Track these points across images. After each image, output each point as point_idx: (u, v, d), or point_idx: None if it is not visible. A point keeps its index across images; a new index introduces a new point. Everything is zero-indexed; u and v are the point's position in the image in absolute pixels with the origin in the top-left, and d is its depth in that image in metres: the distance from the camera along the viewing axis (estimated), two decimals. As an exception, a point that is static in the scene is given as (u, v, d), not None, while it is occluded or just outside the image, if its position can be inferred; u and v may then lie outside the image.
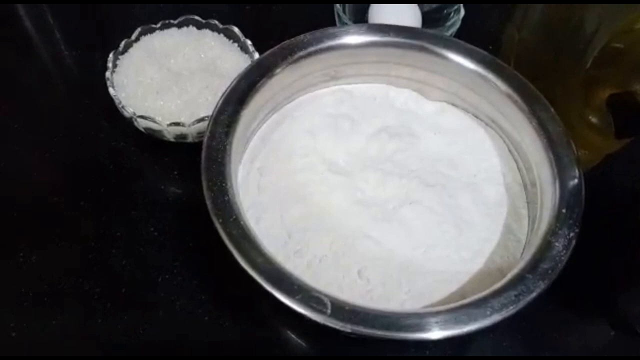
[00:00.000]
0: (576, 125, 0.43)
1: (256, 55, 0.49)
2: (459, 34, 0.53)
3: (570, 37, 0.42)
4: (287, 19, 0.59)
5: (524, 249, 0.40)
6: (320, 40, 0.44)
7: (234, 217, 0.35)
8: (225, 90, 0.40)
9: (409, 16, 0.54)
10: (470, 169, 0.44)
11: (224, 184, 0.36)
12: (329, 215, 0.40)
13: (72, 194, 0.47)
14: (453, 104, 0.47)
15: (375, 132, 0.45)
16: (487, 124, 0.46)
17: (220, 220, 0.34)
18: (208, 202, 0.35)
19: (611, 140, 0.43)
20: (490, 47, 0.56)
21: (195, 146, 0.47)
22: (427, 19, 0.55)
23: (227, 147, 0.38)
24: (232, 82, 0.41)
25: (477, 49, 0.44)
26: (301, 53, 0.43)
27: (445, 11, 0.55)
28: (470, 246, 0.40)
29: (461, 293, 0.38)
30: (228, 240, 0.34)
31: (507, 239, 0.40)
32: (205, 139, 0.38)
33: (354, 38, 0.44)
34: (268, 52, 0.43)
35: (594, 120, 0.44)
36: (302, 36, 0.44)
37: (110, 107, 0.47)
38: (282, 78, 0.43)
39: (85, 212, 0.46)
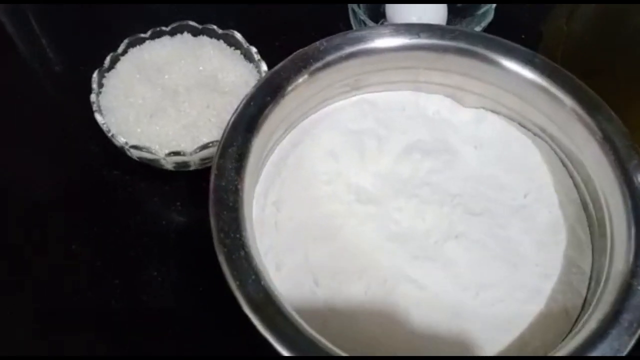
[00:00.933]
0: (636, 133, 0.36)
1: (263, 65, 0.42)
2: (491, 28, 0.46)
3: (633, 34, 0.36)
4: (295, 18, 0.53)
5: (589, 283, 0.35)
6: (339, 48, 0.37)
7: (254, 276, 0.29)
8: (232, 116, 0.34)
9: (433, 7, 0.47)
10: (519, 189, 0.38)
11: (238, 235, 0.30)
12: (360, 254, 0.35)
13: (60, 237, 0.41)
14: (493, 111, 0.41)
15: (405, 150, 0.39)
16: (535, 134, 0.39)
17: (238, 283, 0.29)
18: (221, 259, 0.29)
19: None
20: (523, 37, 0.50)
21: (199, 172, 0.41)
22: (453, 9, 0.48)
23: (239, 186, 0.32)
24: (239, 106, 0.35)
25: (522, 47, 0.38)
26: (318, 64, 0.37)
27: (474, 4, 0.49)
28: (526, 284, 0.34)
29: (521, 342, 0.32)
30: (249, 309, 0.28)
31: (569, 273, 0.35)
32: (212, 179, 0.32)
33: (378, 42, 0.38)
34: (279, 65, 0.36)
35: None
36: (317, 44, 0.37)
37: (98, 131, 0.41)
38: (297, 95, 0.37)
39: (76, 258, 0.40)
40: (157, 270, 0.40)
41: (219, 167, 0.32)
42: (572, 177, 0.38)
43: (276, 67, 0.36)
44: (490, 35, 0.39)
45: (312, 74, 0.37)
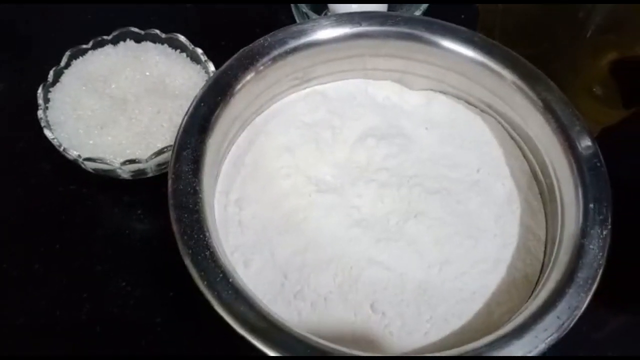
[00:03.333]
0: (579, 98, 0.38)
1: (210, 66, 0.42)
2: (431, 11, 0.47)
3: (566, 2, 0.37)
4: (237, 17, 0.53)
5: (545, 247, 0.36)
6: (283, 42, 0.38)
7: (221, 275, 0.29)
8: (183, 119, 0.34)
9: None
10: (472, 165, 0.39)
11: (201, 236, 0.30)
12: (326, 244, 0.35)
13: (20, 257, 0.40)
14: (441, 92, 0.42)
15: (360, 137, 0.40)
16: (482, 111, 0.41)
17: (206, 282, 0.29)
18: (187, 261, 0.30)
19: (617, 111, 0.39)
20: (463, 17, 0.52)
21: (157, 178, 0.41)
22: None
23: (198, 187, 0.32)
24: (189, 108, 0.35)
25: (462, 28, 0.39)
26: (264, 60, 0.37)
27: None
28: (489, 255, 0.35)
29: (488, 311, 0.34)
30: (220, 307, 0.28)
31: (526, 240, 0.36)
32: (170, 183, 0.32)
33: (322, 34, 0.38)
34: (226, 65, 0.37)
35: (598, 91, 0.39)
36: (262, 40, 0.38)
37: (49, 146, 0.40)
38: (246, 92, 0.37)
39: (40, 277, 0.39)
40: (125, 280, 0.39)
41: (176, 171, 0.32)
42: (520, 148, 0.39)
43: (223, 67, 0.36)
44: (429, 18, 0.39)
45: (259, 70, 0.37)
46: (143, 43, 0.44)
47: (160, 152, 0.38)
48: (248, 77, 0.36)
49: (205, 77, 0.43)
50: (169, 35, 0.44)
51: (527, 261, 0.35)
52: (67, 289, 0.39)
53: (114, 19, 0.47)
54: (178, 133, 0.34)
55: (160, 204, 0.41)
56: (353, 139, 0.40)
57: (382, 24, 0.39)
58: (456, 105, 0.41)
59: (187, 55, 0.44)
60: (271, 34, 0.38)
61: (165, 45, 0.44)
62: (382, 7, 0.48)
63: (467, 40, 0.38)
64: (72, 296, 0.39)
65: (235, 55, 0.37)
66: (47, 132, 0.38)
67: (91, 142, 0.39)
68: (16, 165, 0.44)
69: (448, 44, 0.38)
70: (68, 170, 0.42)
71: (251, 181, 0.37)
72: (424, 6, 0.46)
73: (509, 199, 0.38)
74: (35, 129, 0.40)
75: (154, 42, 0.44)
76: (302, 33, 0.38)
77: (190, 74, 0.42)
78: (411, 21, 0.39)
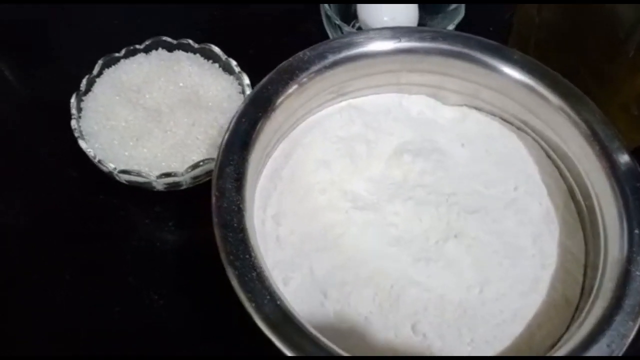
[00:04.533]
0: (614, 117, 0.38)
1: (245, 78, 0.42)
2: (460, 23, 0.47)
3: (607, 19, 0.37)
4: (264, 24, 0.52)
5: (585, 270, 0.36)
6: (323, 56, 0.37)
7: (269, 297, 0.29)
8: (225, 135, 0.34)
9: (404, 6, 0.48)
10: (508, 182, 0.39)
11: (247, 256, 0.30)
12: (364, 262, 0.35)
13: (51, 268, 0.40)
14: (475, 108, 0.42)
15: (395, 152, 0.39)
16: (518, 128, 0.41)
17: (254, 305, 0.29)
18: (234, 283, 0.29)
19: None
20: (491, 30, 0.51)
21: (187, 190, 0.41)
22: (424, 7, 0.49)
23: (241, 205, 0.32)
24: (230, 123, 0.34)
25: (501, 45, 0.39)
26: (304, 74, 0.37)
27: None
28: (527, 276, 0.35)
29: (529, 334, 0.34)
30: (269, 330, 0.28)
31: (565, 260, 0.36)
32: (213, 201, 0.32)
33: (362, 48, 0.38)
34: (266, 79, 0.36)
35: (634, 111, 0.39)
36: (301, 54, 0.37)
37: (77, 153, 0.40)
38: (286, 107, 0.37)
39: (71, 288, 0.39)
40: (157, 293, 0.39)
41: (219, 189, 0.32)
42: (557, 167, 0.39)
43: (263, 81, 0.36)
44: (468, 34, 0.39)
45: (299, 85, 0.37)
46: (175, 52, 0.43)
47: (196, 166, 0.38)
48: (288, 92, 0.36)
49: (239, 89, 0.42)
50: (202, 45, 0.43)
51: (566, 282, 0.35)
52: (98, 301, 0.39)
53: (141, 27, 0.47)
54: (220, 149, 0.33)
55: (192, 216, 0.42)
56: (388, 153, 0.40)
57: (421, 39, 0.39)
58: (491, 122, 0.41)
59: (220, 66, 0.43)
60: (311, 48, 0.38)
61: (198, 55, 0.44)
62: (413, 19, 0.48)
63: (506, 57, 0.38)
64: (104, 308, 0.38)
65: (275, 70, 0.37)
66: (81, 143, 0.38)
67: (126, 153, 0.38)
68: (45, 174, 0.43)
69: (488, 61, 0.38)
70: (97, 179, 0.42)
71: (288, 195, 0.37)
72: (458, 19, 0.46)
73: (546, 218, 0.37)
74: (64, 137, 0.40)
75: (186, 51, 0.44)
76: (343, 47, 0.38)
77: (224, 85, 0.42)
78: (450, 37, 0.39)
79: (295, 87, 0.36)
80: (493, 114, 0.41)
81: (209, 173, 0.39)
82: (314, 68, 0.37)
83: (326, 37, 0.50)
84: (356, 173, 0.39)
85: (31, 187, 0.43)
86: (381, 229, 0.36)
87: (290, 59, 0.37)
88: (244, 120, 0.35)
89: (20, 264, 0.40)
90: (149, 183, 0.38)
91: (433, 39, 0.39)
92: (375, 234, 0.36)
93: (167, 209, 0.42)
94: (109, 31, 0.50)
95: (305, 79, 0.37)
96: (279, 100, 0.36)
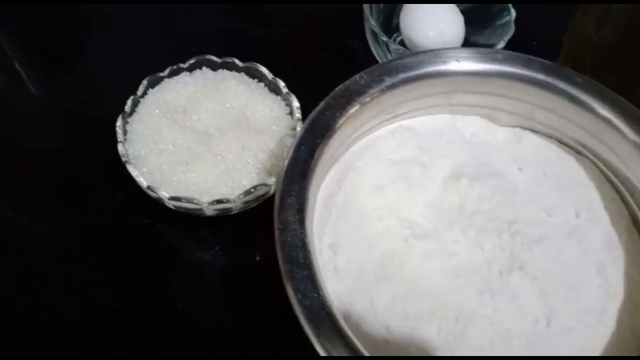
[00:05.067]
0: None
1: (294, 101, 0.41)
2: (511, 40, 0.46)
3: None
4: (302, 40, 0.51)
5: (652, 300, 0.35)
6: (380, 80, 0.36)
7: (339, 338, 0.28)
8: (285, 164, 0.33)
9: (451, 20, 0.46)
10: (569, 209, 0.37)
11: (315, 294, 0.29)
12: (426, 294, 0.34)
13: (97, 294, 0.39)
14: (530, 130, 0.40)
15: (451, 176, 0.38)
16: (577, 151, 0.39)
17: (329, 345, 0.28)
18: (304, 324, 0.28)
19: None
20: (535, 44, 0.50)
21: (235, 215, 0.40)
22: (469, 20, 0.47)
23: (305, 240, 0.31)
24: (289, 151, 0.33)
25: (559, 65, 0.38)
26: (362, 99, 0.36)
27: (489, 11, 0.48)
28: (593, 308, 0.34)
29: (599, 370, 0.32)
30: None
31: (631, 291, 0.35)
32: (277, 234, 0.31)
33: (420, 71, 0.37)
34: (322, 105, 0.35)
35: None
36: (357, 78, 0.36)
37: (121, 177, 0.38)
38: (343, 132, 0.35)
39: (121, 315, 0.38)
40: (207, 321, 0.38)
41: (282, 222, 0.31)
42: (619, 192, 0.38)
43: (320, 107, 0.35)
44: (527, 56, 0.38)
45: (357, 109, 0.36)
46: (220, 72, 0.42)
47: (248, 192, 0.37)
48: (345, 117, 0.35)
49: (286, 110, 0.41)
50: (248, 64, 0.42)
51: (632, 314, 0.34)
52: (150, 329, 0.38)
53: (179, 44, 0.46)
54: (280, 178, 0.32)
55: (239, 240, 0.41)
56: (443, 177, 0.39)
57: (481, 61, 0.37)
58: (547, 144, 0.40)
59: (265, 85, 0.42)
60: (366, 71, 0.36)
61: (243, 73, 0.42)
62: (460, 33, 0.46)
63: (568, 79, 0.37)
64: (153, 336, 0.37)
65: (331, 94, 0.36)
66: (131, 170, 0.37)
67: (175, 178, 0.37)
68: (89, 195, 0.42)
69: (549, 83, 0.37)
70: (141, 201, 0.41)
71: (343, 223, 0.36)
72: (508, 36, 0.44)
73: (610, 246, 0.36)
74: (109, 158, 0.39)
75: (231, 70, 0.42)
76: (400, 70, 0.37)
77: (272, 106, 0.41)
78: (511, 59, 0.38)
79: (352, 111, 0.35)
80: (549, 136, 0.40)
81: (259, 198, 0.38)
82: (371, 92, 0.36)
83: (368, 53, 0.49)
84: (412, 198, 0.37)
85: (75, 210, 0.41)
86: (442, 259, 0.35)
87: (347, 82, 0.36)
88: (302, 147, 0.33)
89: (64, 290, 0.39)
90: (200, 209, 0.37)
91: (493, 60, 0.37)
92: (436, 264, 0.35)
93: (214, 233, 0.41)
94: (148, 49, 0.49)
95: (362, 103, 0.36)
96: (337, 126, 0.35)
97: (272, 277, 0.30)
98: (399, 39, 0.50)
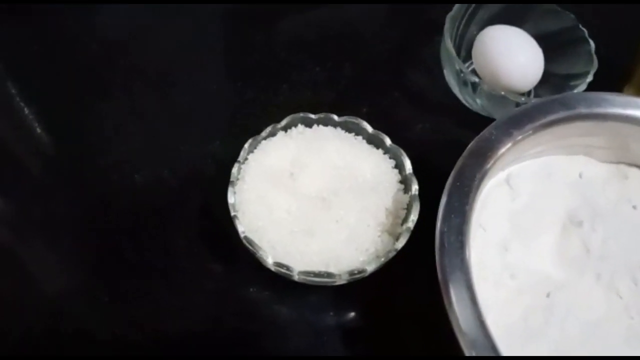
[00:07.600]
0: None
1: (405, 159, 0.39)
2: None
3: None
4: (371, 80, 0.49)
5: None
6: (509, 133, 0.36)
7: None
8: (436, 234, 0.32)
9: (534, 45, 0.45)
10: (692, 245, 0.38)
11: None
12: (572, 351, 0.34)
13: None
14: (628, 164, 0.41)
15: (569, 219, 0.38)
16: (685, 186, 0.40)
17: None
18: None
19: None
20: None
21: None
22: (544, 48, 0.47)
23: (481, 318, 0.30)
24: (438, 221, 0.32)
25: None
26: (494, 156, 0.35)
27: (562, 37, 0.47)
28: None
29: None
30: None
31: None
32: (454, 321, 0.29)
33: (544, 120, 0.36)
34: (460, 164, 0.34)
35: None
36: (487, 134, 0.35)
37: (220, 245, 0.38)
38: (479, 189, 0.34)
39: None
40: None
41: (449, 303, 0.30)
42: None
43: (457, 168, 0.34)
44: (612, 94, 0.38)
45: (490, 166, 0.35)
46: (316, 128, 0.40)
47: (378, 259, 0.35)
48: (481, 176, 0.34)
49: (391, 163, 0.39)
50: (344, 119, 0.40)
51: None
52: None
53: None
54: (437, 253, 0.31)
55: (352, 304, 0.39)
56: (559, 222, 0.38)
57: (597, 106, 0.37)
58: (654, 179, 0.40)
59: (364, 138, 0.40)
60: (493, 126, 0.36)
61: (338, 128, 0.40)
62: (540, 61, 0.46)
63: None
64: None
65: (465, 154, 0.35)
66: (256, 249, 0.34)
67: (300, 249, 0.35)
68: (192, 268, 0.39)
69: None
70: (244, 270, 0.39)
71: (481, 285, 0.35)
72: (594, 69, 0.44)
73: None
74: (209, 229, 0.37)
75: (326, 125, 0.40)
76: (524, 120, 0.36)
77: (377, 161, 0.39)
78: (626, 103, 0.37)
79: (486, 168, 0.34)
80: (651, 170, 0.40)
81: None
82: (502, 147, 0.35)
83: (437, 88, 0.48)
84: (534, 250, 0.37)
85: (182, 284, 0.39)
86: (582, 311, 0.35)
87: (478, 140, 0.35)
88: (453, 216, 0.32)
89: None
90: (333, 281, 0.35)
91: (611, 104, 0.37)
92: (577, 317, 0.35)
93: (324, 297, 0.39)
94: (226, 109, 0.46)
95: (494, 160, 0.35)
96: (475, 183, 0.34)
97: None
98: (472, 67, 0.48)
